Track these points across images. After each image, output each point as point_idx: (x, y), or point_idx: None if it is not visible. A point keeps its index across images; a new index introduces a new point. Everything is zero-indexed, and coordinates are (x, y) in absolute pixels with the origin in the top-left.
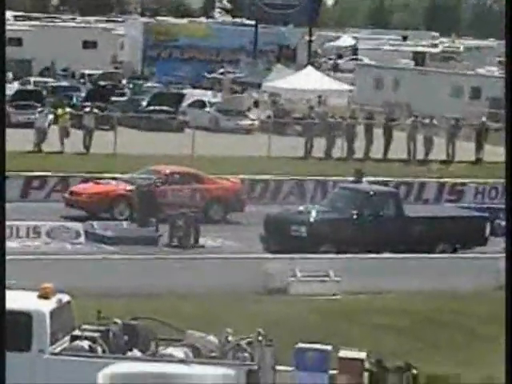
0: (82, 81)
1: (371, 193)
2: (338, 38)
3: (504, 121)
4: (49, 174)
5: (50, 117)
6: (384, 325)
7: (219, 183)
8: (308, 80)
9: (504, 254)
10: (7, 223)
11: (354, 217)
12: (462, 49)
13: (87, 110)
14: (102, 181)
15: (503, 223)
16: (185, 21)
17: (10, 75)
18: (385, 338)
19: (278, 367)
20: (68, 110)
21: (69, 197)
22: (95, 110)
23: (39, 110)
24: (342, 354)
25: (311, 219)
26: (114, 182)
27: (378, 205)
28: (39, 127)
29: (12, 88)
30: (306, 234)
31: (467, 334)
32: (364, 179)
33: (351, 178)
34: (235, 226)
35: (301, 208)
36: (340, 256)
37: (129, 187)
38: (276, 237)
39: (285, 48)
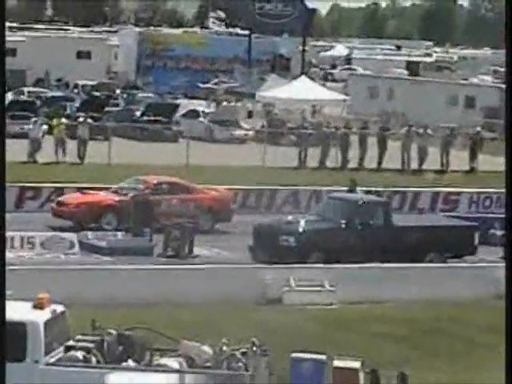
0: (76, 91)
1: (360, 202)
2: (331, 47)
3: (499, 130)
4: (43, 184)
5: (44, 127)
6: (381, 333)
7: (207, 193)
8: (302, 90)
9: (501, 263)
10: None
11: (343, 226)
12: (456, 58)
13: (81, 120)
14: (89, 191)
15: (498, 232)
16: (179, 30)
17: None
18: (382, 347)
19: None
20: (64, 120)
21: (56, 207)
22: (89, 120)
23: (33, 120)
24: (337, 363)
25: (300, 229)
26: (101, 193)
27: (367, 214)
28: (33, 137)
29: (6, 98)
30: (294, 244)
31: (466, 343)
32: (358, 189)
33: (345, 188)
34: (225, 235)
35: (290, 218)
36: (335, 266)
37: (117, 197)
38: (265, 247)
39: (279, 58)
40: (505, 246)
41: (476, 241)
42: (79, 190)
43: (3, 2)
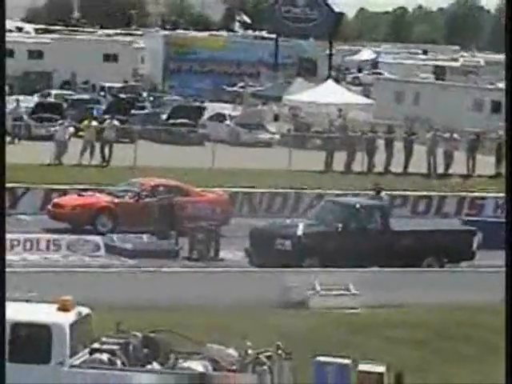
0: (102, 94)
1: (357, 206)
2: (358, 51)
3: None
4: (68, 186)
5: (71, 129)
6: (404, 338)
7: (205, 196)
8: (328, 94)
9: None
10: (28, 236)
11: (339, 230)
12: (482, 63)
13: (107, 122)
14: (85, 193)
15: None
16: (205, 34)
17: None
18: (406, 352)
19: None
20: (94, 123)
21: (52, 209)
22: (115, 123)
23: (59, 122)
24: (362, 367)
25: (296, 233)
26: (98, 194)
27: (364, 218)
28: (59, 140)
29: (32, 101)
30: (290, 248)
31: (488, 348)
32: (383, 193)
33: (371, 192)
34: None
35: (286, 221)
36: (360, 269)
37: (112, 199)
38: (261, 250)
39: (305, 61)
40: (506, 249)
41: (475, 245)
42: (100, 192)
43: (3, 2)
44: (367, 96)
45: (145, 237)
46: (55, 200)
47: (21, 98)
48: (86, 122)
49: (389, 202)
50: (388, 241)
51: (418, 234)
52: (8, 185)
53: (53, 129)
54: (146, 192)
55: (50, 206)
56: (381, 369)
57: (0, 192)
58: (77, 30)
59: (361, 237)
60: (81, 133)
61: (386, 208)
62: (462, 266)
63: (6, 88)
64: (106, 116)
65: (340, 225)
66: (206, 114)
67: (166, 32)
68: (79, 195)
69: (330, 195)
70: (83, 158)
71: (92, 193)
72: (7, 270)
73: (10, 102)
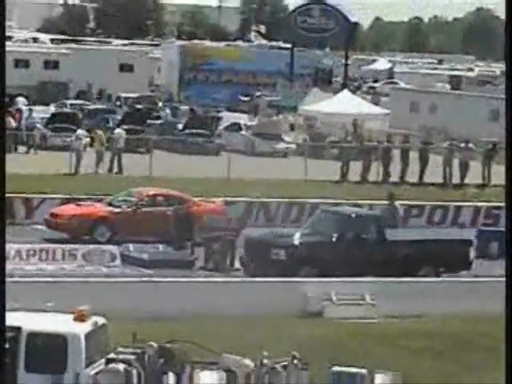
0: (118, 104)
1: (353, 216)
2: (374, 61)
3: None
4: (82, 196)
5: (87, 139)
6: (421, 348)
7: (202, 205)
8: (344, 103)
9: None
10: (43, 246)
11: (334, 240)
12: (498, 73)
13: (116, 132)
14: (83, 202)
15: None
16: (221, 44)
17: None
18: (422, 362)
19: None
20: (99, 132)
21: (50, 219)
22: (123, 133)
23: (77, 132)
24: (379, 378)
25: (291, 242)
26: (96, 204)
27: (359, 228)
28: (75, 149)
29: (48, 111)
30: (284, 257)
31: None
32: (397, 203)
33: (385, 202)
34: None
35: (282, 231)
36: (376, 279)
37: (110, 209)
38: (256, 260)
39: (321, 71)
40: (506, 257)
41: (471, 256)
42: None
43: (3, 2)
44: (376, 104)
45: (161, 247)
46: (53, 210)
47: (37, 108)
48: (98, 133)
49: (402, 211)
50: (383, 250)
51: (414, 243)
52: (23, 195)
53: (69, 139)
54: (143, 202)
55: (47, 216)
56: (397, 380)
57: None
58: (93, 41)
59: (356, 246)
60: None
61: (382, 218)
62: (479, 276)
63: (23, 98)
64: (122, 126)
65: (335, 234)
66: (222, 124)
67: (182, 42)
68: (77, 205)
69: (344, 205)
70: (99, 168)
71: (90, 202)
72: (24, 280)
73: (25, 112)
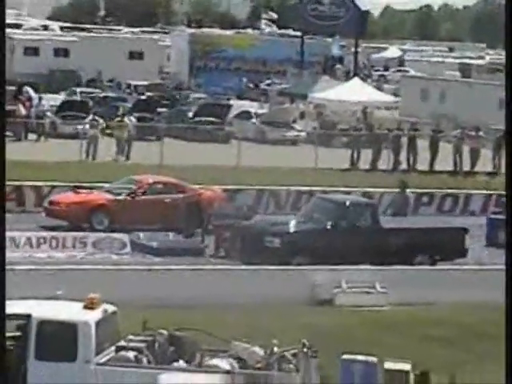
0: (128, 91)
1: (347, 203)
2: (384, 49)
3: None
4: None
5: (101, 126)
6: (432, 336)
7: (201, 193)
8: (354, 91)
9: None
10: (54, 234)
11: (328, 227)
12: None
13: (130, 120)
14: (81, 190)
15: None
16: (231, 32)
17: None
18: (434, 350)
19: None
20: (126, 120)
21: (48, 207)
22: (133, 120)
23: (90, 118)
24: (388, 365)
25: (285, 230)
26: (94, 192)
27: (354, 216)
28: (90, 136)
29: (58, 99)
30: (279, 245)
31: None
32: (408, 191)
33: (396, 190)
34: None
35: (276, 219)
36: (387, 267)
37: (108, 197)
38: (250, 248)
39: (331, 59)
40: (506, 248)
41: (467, 243)
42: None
43: (3, 2)
44: (379, 89)
45: (171, 235)
46: (51, 198)
47: (47, 95)
48: (119, 118)
49: (413, 199)
50: (378, 238)
51: (409, 231)
52: (33, 183)
53: (79, 127)
54: (142, 189)
55: (46, 204)
56: (407, 367)
57: (0, 191)
58: (102, 28)
59: (350, 234)
60: (108, 131)
61: (376, 206)
62: (487, 264)
63: (31, 87)
64: (133, 114)
65: (329, 222)
66: (232, 112)
67: (192, 30)
68: (76, 193)
69: (355, 193)
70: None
71: (88, 190)
72: (33, 267)
73: (35, 100)
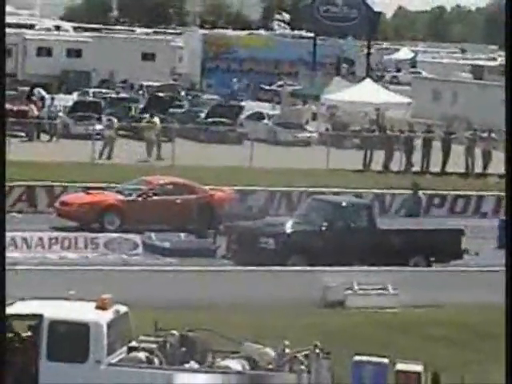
0: (140, 92)
1: (343, 204)
2: (396, 50)
3: None
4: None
5: (115, 127)
6: (442, 337)
7: (212, 194)
8: (366, 93)
9: None
10: (66, 235)
11: (324, 228)
12: None
13: (145, 121)
14: (92, 191)
15: None
16: (244, 33)
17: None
18: (443, 351)
19: None
20: (156, 120)
21: (59, 207)
22: (152, 120)
23: (107, 118)
24: (400, 366)
25: (280, 231)
26: (105, 192)
27: (350, 217)
28: (107, 137)
29: (71, 99)
30: (273, 246)
31: None
32: (420, 192)
33: (409, 191)
34: None
35: (271, 220)
36: (398, 268)
37: (119, 197)
38: (245, 248)
39: (343, 60)
40: (506, 249)
41: (463, 245)
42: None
43: (3, 2)
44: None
45: (183, 235)
46: (62, 198)
47: (59, 96)
48: (153, 120)
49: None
50: (374, 239)
51: (405, 232)
52: (43, 183)
53: (91, 127)
54: (154, 190)
55: (56, 204)
56: (418, 368)
57: (0, 192)
58: (115, 29)
59: (346, 235)
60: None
61: (372, 206)
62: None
63: (43, 88)
64: (145, 115)
65: (325, 223)
66: (245, 113)
67: (205, 31)
68: (87, 193)
69: (367, 194)
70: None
71: (100, 191)
72: (46, 267)
73: (48, 100)
